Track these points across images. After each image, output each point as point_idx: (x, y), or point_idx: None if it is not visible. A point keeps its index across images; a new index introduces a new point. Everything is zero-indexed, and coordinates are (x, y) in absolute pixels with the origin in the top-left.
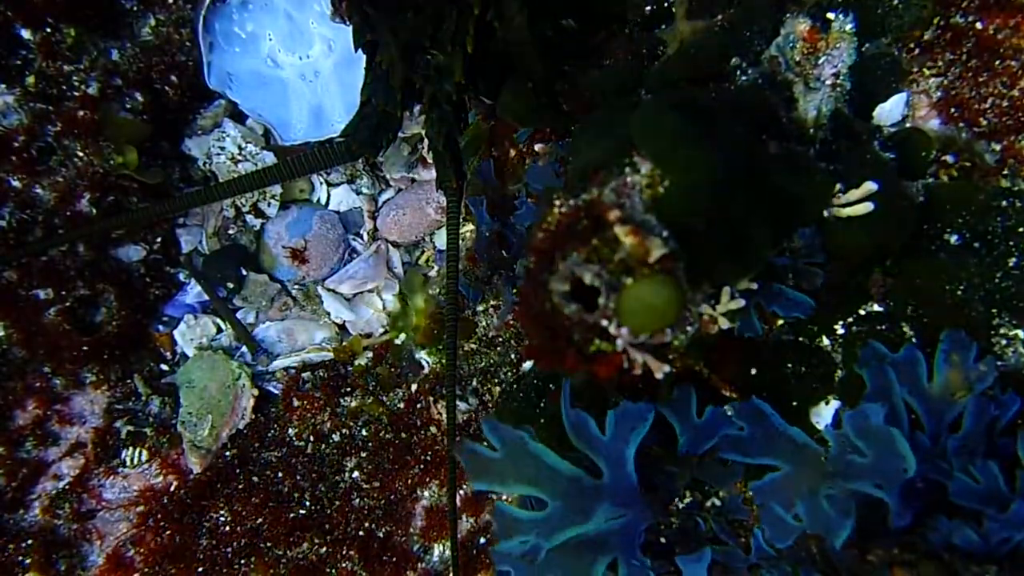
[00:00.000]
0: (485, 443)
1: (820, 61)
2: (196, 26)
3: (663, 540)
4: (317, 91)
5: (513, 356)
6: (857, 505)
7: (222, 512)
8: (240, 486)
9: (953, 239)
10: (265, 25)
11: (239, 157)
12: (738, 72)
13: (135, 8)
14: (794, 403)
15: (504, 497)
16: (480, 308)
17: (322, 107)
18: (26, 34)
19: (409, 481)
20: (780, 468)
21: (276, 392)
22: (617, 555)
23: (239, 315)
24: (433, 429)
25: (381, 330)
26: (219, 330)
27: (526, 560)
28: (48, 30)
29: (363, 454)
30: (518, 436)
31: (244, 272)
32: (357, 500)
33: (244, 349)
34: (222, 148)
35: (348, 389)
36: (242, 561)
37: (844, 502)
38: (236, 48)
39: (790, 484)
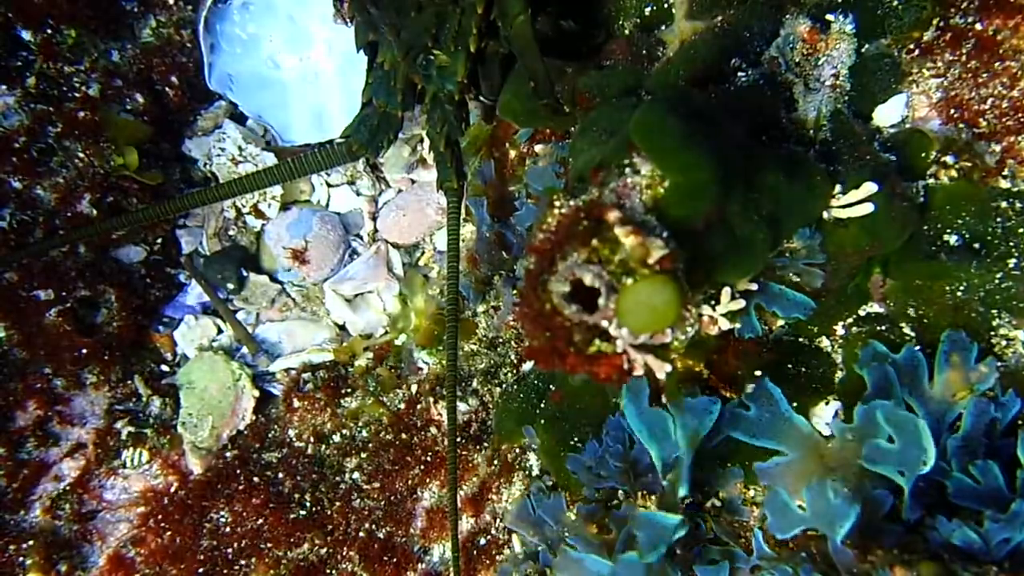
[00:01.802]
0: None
1: (820, 62)
2: (197, 27)
3: None
4: (318, 92)
5: (513, 357)
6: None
7: (223, 513)
8: (240, 487)
9: (953, 240)
10: (266, 27)
11: (239, 158)
12: (738, 73)
13: (136, 9)
14: (794, 403)
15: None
16: (480, 309)
17: (323, 108)
18: (27, 35)
19: (409, 482)
20: (785, 453)
21: (276, 393)
22: None
23: (239, 316)
24: (433, 430)
25: (381, 331)
26: (219, 331)
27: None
28: (49, 31)
29: (363, 455)
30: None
31: (244, 273)
32: (357, 501)
33: (244, 350)
34: (222, 149)
35: (348, 390)
36: (243, 562)
37: (849, 494)
38: (237, 49)
39: (794, 470)
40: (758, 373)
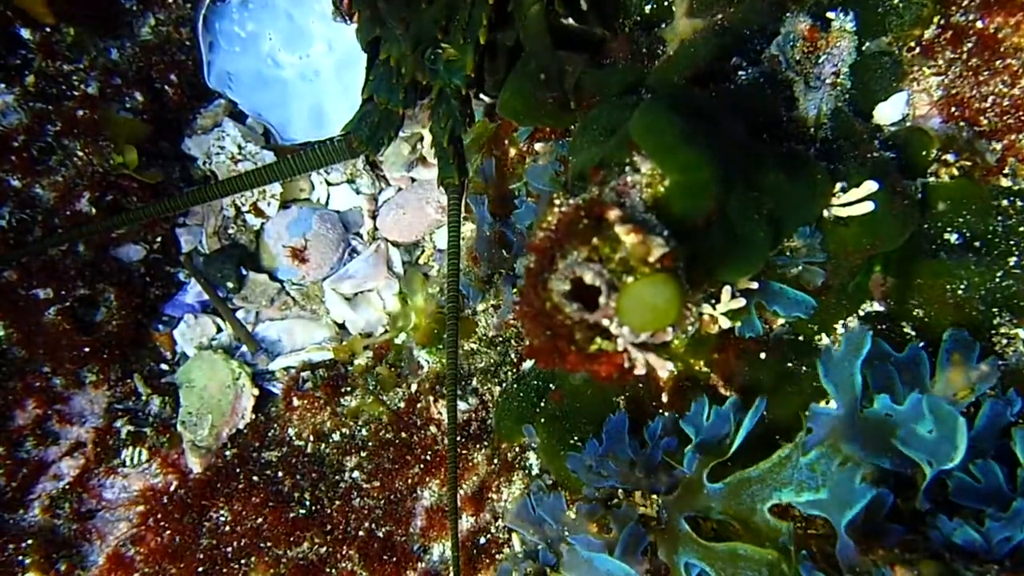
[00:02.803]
0: None
1: (820, 60)
2: (196, 25)
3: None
4: (317, 91)
5: (513, 355)
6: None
7: (222, 512)
8: (240, 486)
9: (954, 238)
10: (265, 25)
11: (239, 157)
12: (738, 71)
13: (135, 7)
14: (794, 403)
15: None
16: (480, 307)
17: (322, 107)
18: (26, 33)
19: (409, 480)
20: (834, 403)
21: (276, 391)
22: None
23: (239, 314)
24: (433, 429)
25: (381, 329)
26: (219, 329)
27: None
28: (48, 30)
29: (363, 453)
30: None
31: (244, 271)
32: (357, 500)
33: (244, 348)
34: (222, 148)
35: (348, 388)
36: (242, 561)
37: (870, 480)
38: (236, 48)
39: (835, 427)
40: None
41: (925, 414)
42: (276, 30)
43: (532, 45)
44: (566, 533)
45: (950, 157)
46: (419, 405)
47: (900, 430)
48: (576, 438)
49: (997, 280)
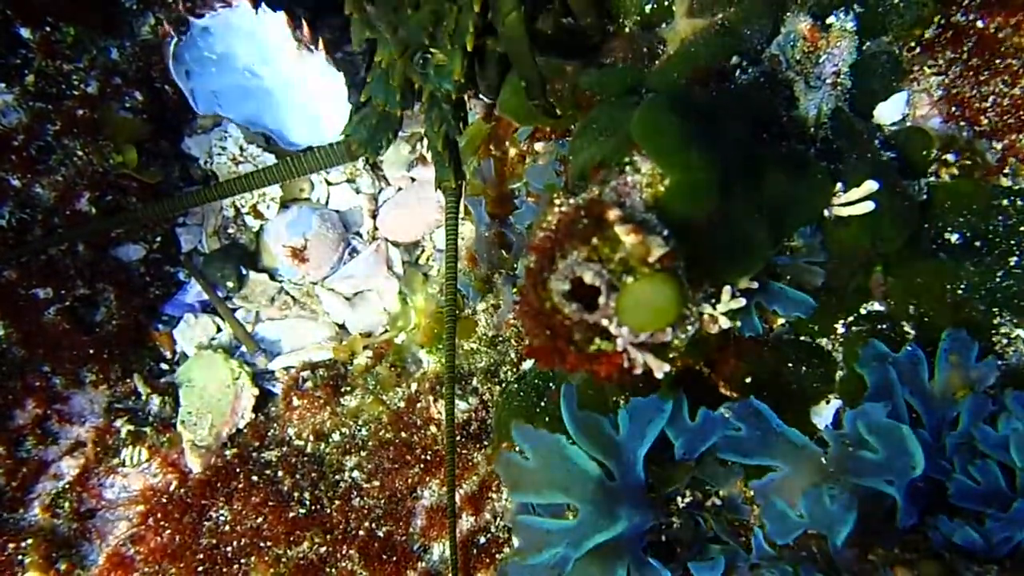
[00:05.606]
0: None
1: (821, 60)
2: (167, 63)
3: (663, 539)
4: (306, 93)
5: (513, 355)
6: (859, 503)
7: (222, 511)
8: (240, 485)
9: (954, 238)
10: (231, 45)
11: (240, 158)
12: (739, 71)
13: (135, 7)
14: (794, 403)
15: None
16: (481, 307)
17: (316, 108)
18: (26, 33)
19: (409, 480)
20: (779, 469)
21: (276, 391)
22: (629, 559)
23: (239, 314)
24: (433, 428)
25: (381, 329)
26: (219, 329)
27: (553, 573)
28: (48, 29)
29: (363, 453)
30: (552, 441)
31: (244, 271)
32: (357, 499)
33: (244, 348)
34: (223, 148)
35: (348, 388)
36: (242, 560)
37: (847, 499)
38: (212, 69)
39: (790, 484)
40: (754, 371)
41: (864, 433)
42: (242, 48)
43: (512, 53)
44: None
45: (950, 157)
46: (419, 405)
47: (849, 462)
48: None
49: (997, 280)
